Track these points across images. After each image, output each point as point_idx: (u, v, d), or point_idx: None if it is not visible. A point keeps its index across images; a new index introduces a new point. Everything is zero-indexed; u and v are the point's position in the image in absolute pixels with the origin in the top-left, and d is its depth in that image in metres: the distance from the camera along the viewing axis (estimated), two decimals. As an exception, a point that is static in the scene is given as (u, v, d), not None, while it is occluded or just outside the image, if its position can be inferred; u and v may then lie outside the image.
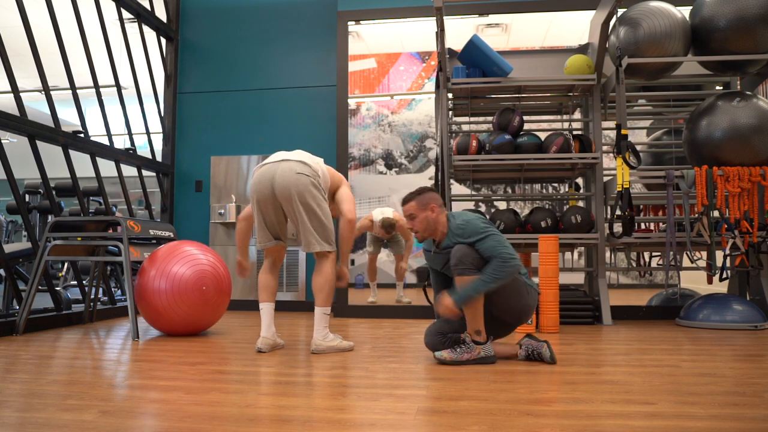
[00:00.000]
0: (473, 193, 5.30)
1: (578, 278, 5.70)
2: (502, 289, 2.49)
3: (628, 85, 4.59)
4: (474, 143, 4.28)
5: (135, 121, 5.05)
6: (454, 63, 4.59)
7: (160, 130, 5.47)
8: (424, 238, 2.59)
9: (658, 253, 4.57)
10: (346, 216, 2.84)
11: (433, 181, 4.29)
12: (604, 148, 4.74)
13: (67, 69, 4.18)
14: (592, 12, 4.41)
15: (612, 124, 4.54)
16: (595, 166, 4.22)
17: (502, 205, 5.87)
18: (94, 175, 4.42)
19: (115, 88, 4.80)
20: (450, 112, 4.69)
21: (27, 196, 5.45)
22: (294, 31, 5.44)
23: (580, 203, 4.72)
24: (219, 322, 4.12)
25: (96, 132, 5.00)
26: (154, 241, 3.92)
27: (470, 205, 5.76)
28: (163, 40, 5.50)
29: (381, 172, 5.57)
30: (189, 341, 3.21)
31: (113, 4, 4.78)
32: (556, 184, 5.33)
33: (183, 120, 5.53)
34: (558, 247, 3.82)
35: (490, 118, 5.00)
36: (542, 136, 4.37)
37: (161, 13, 5.49)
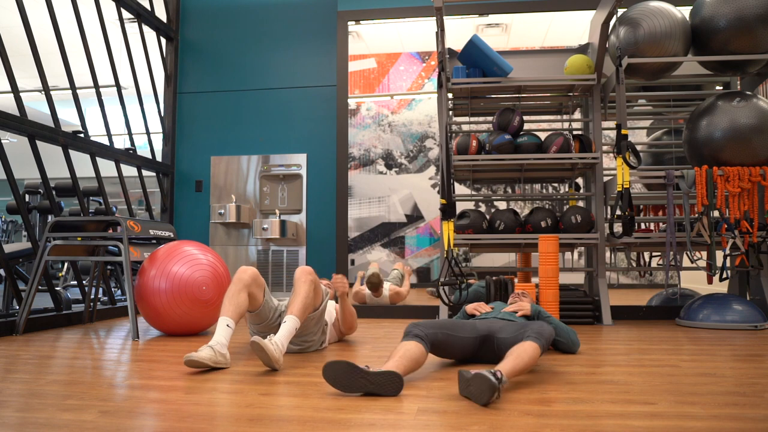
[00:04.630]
0: (473, 193, 5.30)
1: (578, 278, 5.70)
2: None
3: (628, 85, 4.59)
4: (474, 143, 4.28)
5: (135, 121, 5.04)
6: (454, 63, 4.59)
7: (160, 130, 5.47)
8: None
9: (658, 253, 4.57)
10: None
11: (432, 182, 4.28)
12: (604, 148, 4.74)
13: (67, 69, 4.18)
14: (592, 12, 4.40)
15: (612, 124, 4.54)
16: (595, 166, 4.22)
17: (502, 205, 5.88)
18: (94, 175, 4.42)
19: (114, 88, 4.80)
20: (450, 112, 4.69)
21: (27, 196, 5.44)
22: (294, 31, 5.44)
23: (580, 203, 4.72)
24: (219, 322, 4.12)
25: (96, 132, 4.99)
26: (154, 241, 3.92)
27: (470, 205, 5.76)
28: (163, 40, 5.50)
29: (381, 172, 5.57)
30: (189, 341, 3.21)
31: (113, 4, 4.78)
32: (556, 184, 5.33)
33: (183, 120, 5.53)
34: (558, 247, 3.82)
35: (490, 118, 5.00)
36: (542, 136, 4.37)
37: (161, 13, 5.49)
